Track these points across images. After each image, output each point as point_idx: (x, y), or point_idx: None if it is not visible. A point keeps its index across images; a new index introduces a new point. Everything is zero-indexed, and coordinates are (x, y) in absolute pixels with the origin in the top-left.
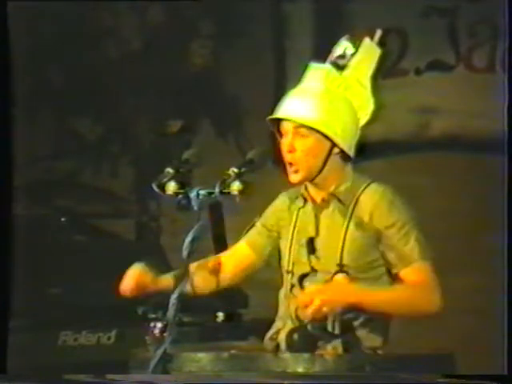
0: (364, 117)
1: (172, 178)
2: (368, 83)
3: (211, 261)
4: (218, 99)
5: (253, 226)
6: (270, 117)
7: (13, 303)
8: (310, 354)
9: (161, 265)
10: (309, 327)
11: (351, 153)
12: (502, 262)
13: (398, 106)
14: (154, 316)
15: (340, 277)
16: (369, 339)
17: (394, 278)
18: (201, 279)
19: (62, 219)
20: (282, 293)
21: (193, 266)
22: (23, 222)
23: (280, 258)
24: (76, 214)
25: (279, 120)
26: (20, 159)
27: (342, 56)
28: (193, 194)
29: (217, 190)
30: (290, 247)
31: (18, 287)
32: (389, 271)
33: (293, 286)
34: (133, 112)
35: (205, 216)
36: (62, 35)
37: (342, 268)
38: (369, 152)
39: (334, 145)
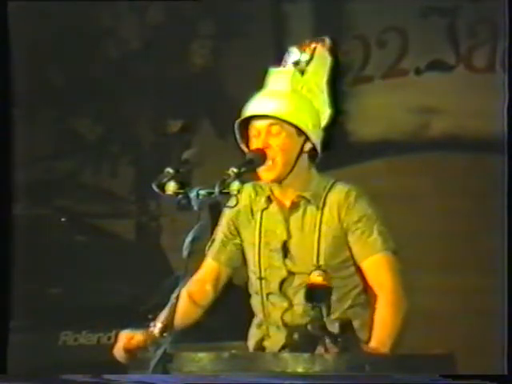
0: (323, 120)
1: (172, 178)
2: (324, 88)
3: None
4: (218, 99)
5: (213, 240)
6: (243, 117)
7: (13, 303)
8: (309, 353)
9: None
10: (309, 327)
11: (319, 150)
12: (502, 262)
13: (398, 106)
14: (153, 316)
15: (316, 274)
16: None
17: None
18: (182, 313)
19: (62, 219)
20: (256, 300)
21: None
22: (23, 221)
23: (246, 264)
24: (76, 213)
25: (247, 124)
26: (20, 159)
27: (297, 63)
28: (193, 194)
29: (217, 190)
30: (259, 252)
31: (17, 287)
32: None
33: (269, 293)
34: (133, 112)
35: (205, 216)
36: (62, 35)
37: (318, 268)
38: (369, 152)
39: (305, 141)
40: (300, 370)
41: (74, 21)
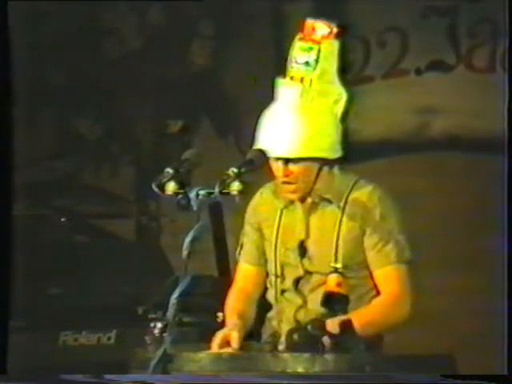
0: (340, 109)
1: (172, 178)
2: (334, 78)
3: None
4: (218, 99)
5: (242, 244)
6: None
7: (13, 303)
8: (310, 354)
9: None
10: (309, 327)
11: (339, 155)
12: (502, 262)
13: (398, 106)
14: (154, 316)
15: (333, 277)
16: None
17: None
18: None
19: (62, 219)
20: (271, 295)
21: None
22: (23, 222)
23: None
24: (76, 213)
25: None
26: (20, 159)
27: (307, 63)
28: (193, 194)
29: (216, 190)
30: (276, 250)
31: (17, 287)
32: None
33: (283, 290)
34: (133, 112)
35: (205, 216)
36: (62, 35)
37: (336, 269)
38: (369, 152)
39: (322, 161)
40: (300, 369)
41: (74, 21)
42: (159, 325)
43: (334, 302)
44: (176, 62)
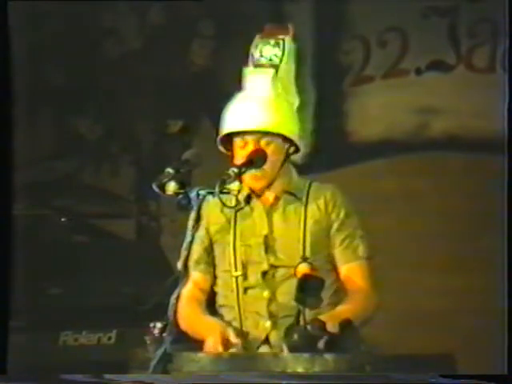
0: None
1: (172, 178)
2: (292, 79)
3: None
4: (218, 99)
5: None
6: (230, 131)
7: (13, 303)
8: (309, 354)
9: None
10: (308, 327)
11: (301, 149)
12: (502, 262)
13: (398, 106)
14: (154, 316)
15: (303, 266)
16: None
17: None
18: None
19: (62, 219)
20: (227, 298)
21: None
22: (23, 221)
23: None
24: (76, 213)
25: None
26: (20, 159)
27: (270, 59)
28: (193, 194)
29: (217, 190)
30: (235, 251)
31: (18, 287)
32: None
33: (247, 288)
34: (133, 112)
35: None
36: (62, 35)
37: (305, 259)
38: (368, 152)
39: (290, 145)
40: (300, 369)
41: (74, 21)
42: (159, 325)
43: (310, 286)
44: (176, 61)
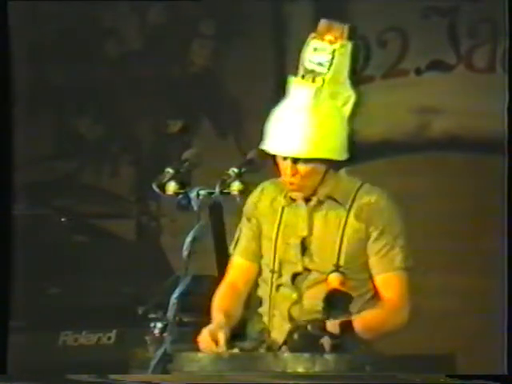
0: (348, 111)
1: (172, 178)
2: (345, 79)
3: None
4: (218, 99)
5: (237, 239)
6: (268, 152)
7: (13, 303)
8: (310, 354)
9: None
10: (309, 327)
11: (345, 157)
12: (502, 263)
13: (398, 106)
14: (154, 316)
15: (334, 276)
16: None
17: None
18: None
19: (62, 219)
20: (264, 291)
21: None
22: (23, 221)
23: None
24: (76, 213)
25: None
26: (20, 159)
27: (320, 64)
28: (193, 194)
29: (217, 190)
30: (275, 246)
31: (18, 287)
32: None
33: (279, 285)
34: (133, 112)
35: (205, 216)
36: (62, 35)
37: (338, 268)
38: (369, 152)
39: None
40: (300, 369)
41: (74, 21)
42: (159, 325)
43: (337, 300)
44: (176, 62)
